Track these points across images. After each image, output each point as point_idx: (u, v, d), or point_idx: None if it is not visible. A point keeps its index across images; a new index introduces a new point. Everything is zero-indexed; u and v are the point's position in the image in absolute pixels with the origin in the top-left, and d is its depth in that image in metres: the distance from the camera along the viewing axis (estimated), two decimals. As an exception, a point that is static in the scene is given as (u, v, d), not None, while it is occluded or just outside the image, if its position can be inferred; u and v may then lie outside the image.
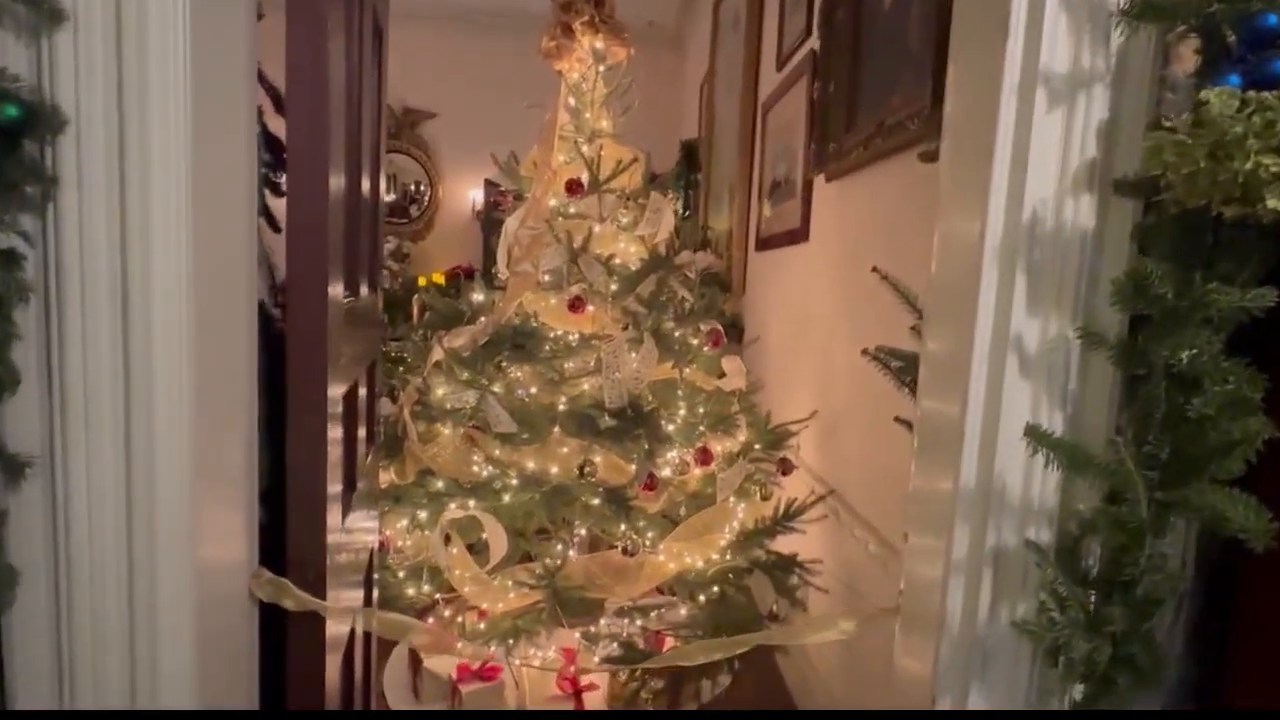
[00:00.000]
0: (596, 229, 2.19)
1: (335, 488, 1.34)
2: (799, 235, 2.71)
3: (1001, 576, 1.02)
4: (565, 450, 2.07)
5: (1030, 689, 1.04)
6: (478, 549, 2.00)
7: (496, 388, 2.11)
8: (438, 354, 2.16)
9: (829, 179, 2.41)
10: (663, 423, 2.09)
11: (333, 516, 1.33)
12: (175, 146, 0.92)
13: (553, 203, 2.23)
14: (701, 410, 2.21)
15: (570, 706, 2.28)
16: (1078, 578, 0.98)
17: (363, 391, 1.65)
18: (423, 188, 5.90)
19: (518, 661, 2.14)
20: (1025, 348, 0.99)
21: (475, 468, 2.12)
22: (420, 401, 2.23)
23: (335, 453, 1.33)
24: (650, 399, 2.11)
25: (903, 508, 1.21)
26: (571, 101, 2.29)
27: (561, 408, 2.10)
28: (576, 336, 2.19)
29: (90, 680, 0.96)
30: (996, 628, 1.03)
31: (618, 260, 2.23)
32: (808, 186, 2.64)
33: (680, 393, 2.20)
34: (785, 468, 2.26)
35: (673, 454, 2.10)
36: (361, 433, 1.65)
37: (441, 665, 2.36)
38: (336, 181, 1.25)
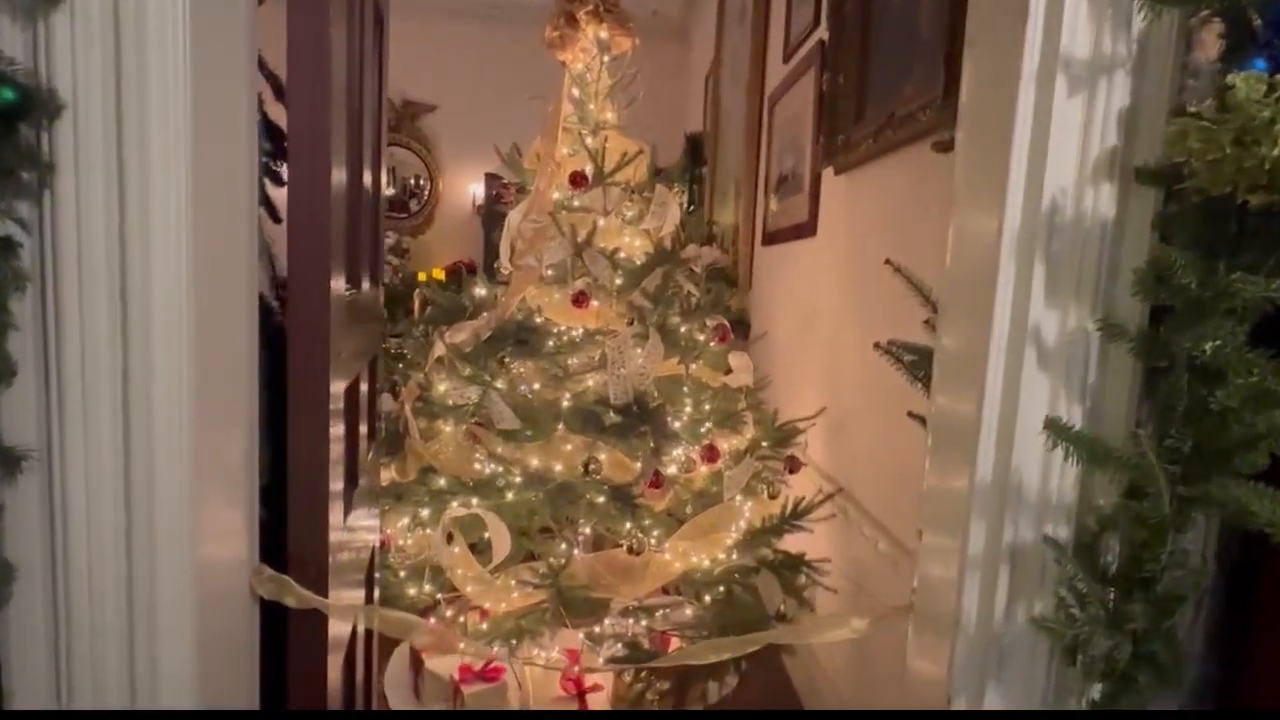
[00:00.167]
0: (601, 222, 2.17)
1: (337, 484, 1.33)
2: (806, 229, 2.69)
3: (1018, 574, 1.01)
4: (569, 447, 2.05)
5: (1047, 688, 1.03)
6: (480, 548, 1.98)
7: (499, 384, 2.09)
8: (439, 349, 2.15)
9: (837, 172, 2.39)
10: (669, 420, 2.07)
11: (334, 514, 1.31)
12: (175, 133, 0.90)
13: (556, 196, 2.21)
14: (708, 407, 2.19)
15: (574, 708, 2.26)
16: (1097, 574, 0.97)
17: (364, 387, 1.64)
18: (422, 182, 5.86)
19: (521, 662, 2.12)
20: (1044, 340, 0.97)
21: (478, 465, 2.11)
22: (422, 398, 2.21)
23: (337, 449, 1.31)
24: (656, 395, 2.09)
25: (913, 505, 1.19)
26: (575, 92, 2.27)
27: (566, 404, 2.09)
28: (581, 332, 2.18)
29: (89, 679, 0.94)
30: (1013, 626, 1.02)
31: (623, 254, 2.21)
32: (815, 180, 2.62)
33: (686, 389, 2.18)
34: (793, 465, 2.24)
35: (679, 451, 2.08)
36: (363, 429, 1.64)
37: (443, 666, 2.34)
38: (338, 171, 1.23)
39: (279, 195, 1.29)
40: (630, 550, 1.95)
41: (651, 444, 2.00)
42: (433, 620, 2.10)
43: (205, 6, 0.93)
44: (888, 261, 1.35)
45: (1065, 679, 1.01)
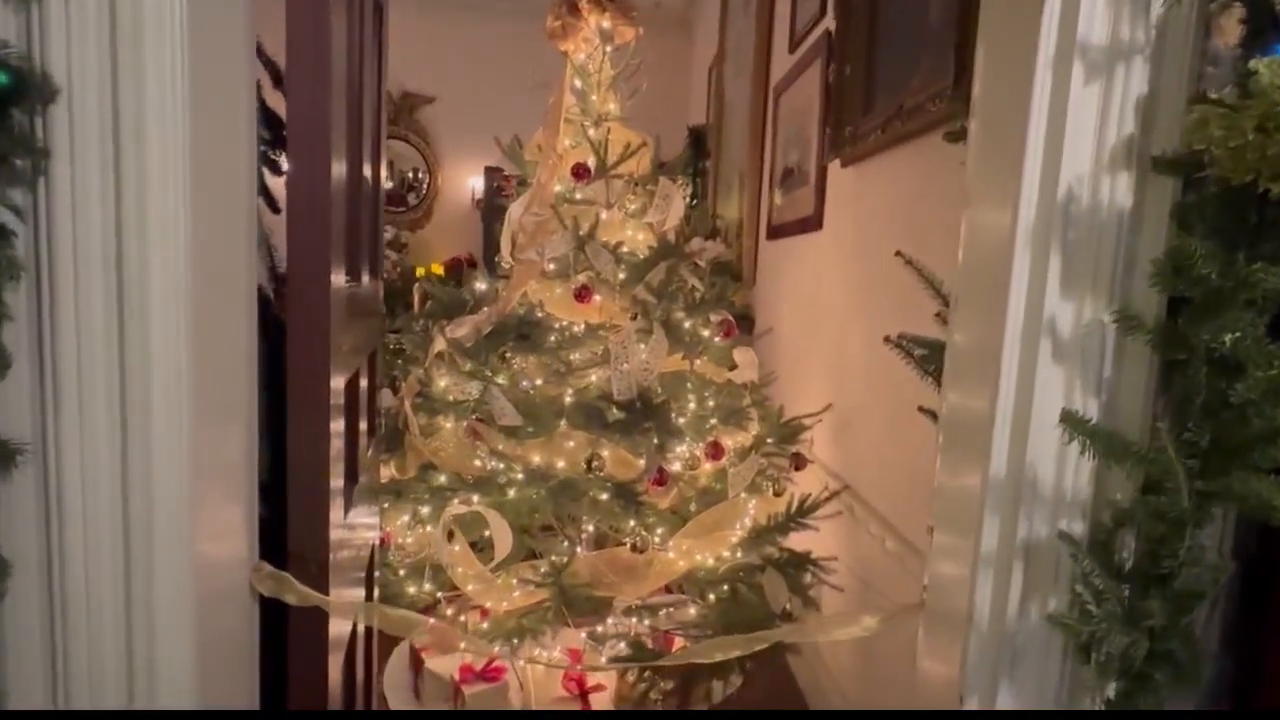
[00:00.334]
0: (604, 215, 2.14)
1: (337, 481, 1.31)
2: (812, 223, 2.67)
3: (1032, 570, 0.99)
4: (572, 444, 2.03)
5: (1061, 686, 1.01)
6: (481, 546, 1.96)
7: (500, 379, 2.07)
8: (440, 344, 2.12)
9: (844, 164, 2.37)
10: (672, 416, 2.05)
11: (335, 511, 1.29)
12: (172, 120, 0.88)
13: (558, 188, 2.19)
14: (712, 403, 2.17)
15: (577, 708, 2.24)
16: (1113, 570, 0.95)
17: (363, 382, 1.62)
18: (421, 175, 5.80)
19: (522, 661, 2.10)
20: (1059, 332, 0.95)
21: (478, 462, 2.08)
22: (422, 393, 2.19)
23: (337, 445, 1.29)
24: (659, 391, 2.06)
25: (921, 503, 1.18)
26: (577, 83, 2.24)
27: (568, 400, 2.06)
28: (583, 326, 2.15)
29: (85, 679, 0.93)
30: (1026, 623, 1.00)
31: (626, 248, 2.19)
32: (822, 173, 2.60)
33: (690, 385, 2.15)
34: (798, 462, 2.22)
35: (683, 448, 2.06)
36: (363, 425, 1.62)
37: (444, 666, 2.32)
38: (338, 161, 1.21)
39: (277, 185, 1.27)
40: (633, 548, 1.92)
41: (655, 441, 1.98)
42: (433, 619, 2.08)
43: (203, -10, 0.91)
44: (898, 253, 1.33)
45: (1080, 677, 1.00)
